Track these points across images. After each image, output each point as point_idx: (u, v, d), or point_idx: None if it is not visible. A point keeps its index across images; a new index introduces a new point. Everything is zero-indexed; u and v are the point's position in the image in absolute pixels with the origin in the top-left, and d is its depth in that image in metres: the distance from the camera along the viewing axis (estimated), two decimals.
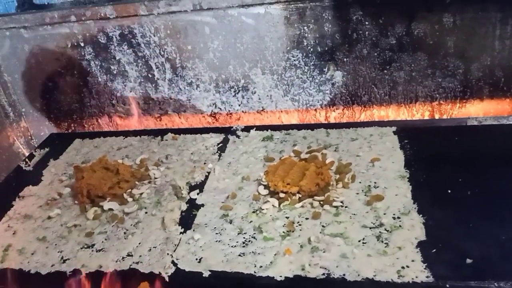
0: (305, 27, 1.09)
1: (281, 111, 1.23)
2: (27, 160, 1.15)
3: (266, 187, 0.89)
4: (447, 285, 0.64)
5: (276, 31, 1.11)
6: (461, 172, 0.86)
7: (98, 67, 1.23)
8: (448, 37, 1.04)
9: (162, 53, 1.19)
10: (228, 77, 1.20)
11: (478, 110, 1.11)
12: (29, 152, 1.28)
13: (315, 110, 1.21)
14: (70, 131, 1.35)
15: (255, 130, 1.13)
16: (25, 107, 1.34)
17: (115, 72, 1.23)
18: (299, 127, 1.12)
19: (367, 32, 1.07)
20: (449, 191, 0.82)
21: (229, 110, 1.25)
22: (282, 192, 0.86)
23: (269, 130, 1.12)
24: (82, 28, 1.19)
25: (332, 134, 1.06)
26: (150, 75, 1.23)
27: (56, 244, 0.84)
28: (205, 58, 1.18)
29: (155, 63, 1.21)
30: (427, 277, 0.66)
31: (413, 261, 0.69)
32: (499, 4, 0.98)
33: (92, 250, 0.81)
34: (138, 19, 1.15)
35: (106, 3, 1.17)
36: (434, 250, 0.70)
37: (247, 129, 1.15)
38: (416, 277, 0.66)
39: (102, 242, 0.83)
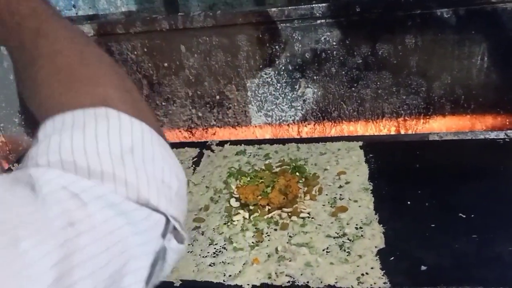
0: (277, 47, 1.14)
1: (255, 126, 1.27)
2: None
3: (237, 199, 0.93)
4: None
5: (249, 50, 1.16)
6: (421, 184, 0.91)
7: None
8: (411, 57, 1.10)
9: (139, 70, 1.23)
10: (203, 93, 1.24)
11: (440, 126, 1.18)
12: (7, 166, 1.29)
13: (288, 125, 1.25)
14: None
15: (229, 144, 1.17)
16: (3, 122, 1.35)
17: None
18: (271, 141, 1.17)
19: (335, 52, 1.12)
20: (409, 202, 0.87)
21: (205, 125, 1.29)
22: (253, 204, 0.90)
23: (242, 144, 1.16)
24: None
25: (302, 149, 1.11)
26: None
27: None
28: (181, 75, 1.22)
29: (133, 80, 1.24)
30: (384, 283, 0.70)
31: (372, 268, 0.73)
32: (456, 27, 1.05)
33: None
34: (115, 37, 1.19)
35: (84, 21, 1.20)
36: (392, 258, 0.74)
37: (221, 143, 1.18)
38: (375, 283, 0.70)
39: None
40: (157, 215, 0.34)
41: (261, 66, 1.18)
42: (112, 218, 0.31)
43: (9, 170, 1.19)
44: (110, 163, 0.32)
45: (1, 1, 0.42)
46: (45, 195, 0.29)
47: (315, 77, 1.17)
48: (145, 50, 1.20)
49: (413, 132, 1.19)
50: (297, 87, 1.19)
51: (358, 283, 0.71)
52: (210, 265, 0.79)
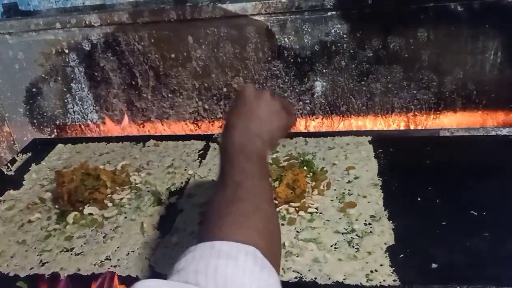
0: (286, 39, 1.13)
1: None
2: (9, 164, 1.16)
3: None
4: None
5: (257, 41, 1.14)
6: (431, 181, 0.89)
7: (82, 73, 1.25)
8: (423, 51, 1.08)
9: (146, 61, 1.21)
10: (210, 85, 1.23)
11: (451, 122, 1.15)
12: (11, 156, 1.28)
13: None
14: (53, 136, 1.36)
15: None
16: (8, 112, 1.35)
17: (99, 79, 1.25)
18: None
19: (345, 45, 1.10)
20: (419, 199, 0.85)
21: (211, 118, 1.28)
22: None
23: None
24: (67, 35, 1.21)
25: (310, 143, 1.09)
26: (133, 83, 1.25)
27: (35, 248, 0.85)
28: (188, 67, 1.20)
29: (139, 71, 1.23)
30: (394, 280, 0.68)
31: (381, 265, 0.71)
32: (470, 21, 1.03)
33: (71, 254, 0.82)
34: (123, 28, 1.17)
35: (91, 11, 1.19)
36: (402, 255, 0.73)
37: None
38: (384, 280, 0.69)
39: (81, 246, 0.84)
40: None
41: (269, 59, 1.16)
42: None
43: (13, 160, 1.18)
44: None
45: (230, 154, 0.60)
46: None
47: (324, 71, 1.15)
48: (152, 40, 1.18)
49: (423, 128, 1.17)
50: (305, 80, 1.17)
51: (367, 280, 0.69)
52: None
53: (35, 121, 1.35)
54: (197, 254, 0.44)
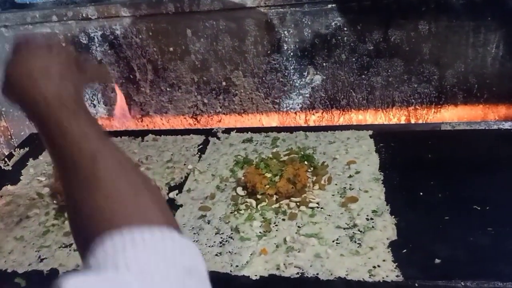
0: (286, 32, 1.11)
1: (262, 114, 1.25)
2: (6, 159, 1.14)
3: (244, 188, 0.91)
4: (416, 284, 0.67)
5: (257, 35, 1.13)
6: (433, 175, 0.88)
7: None
8: (424, 44, 1.07)
9: (144, 54, 1.20)
10: (209, 79, 1.21)
11: (452, 116, 1.15)
12: (8, 151, 1.27)
13: (295, 113, 1.23)
14: None
15: (236, 132, 1.15)
16: (5, 107, 1.33)
17: None
18: (278, 129, 1.14)
19: (345, 38, 1.09)
20: (421, 193, 0.84)
21: (210, 112, 1.27)
22: (260, 193, 0.87)
23: (249, 132, 1.14)
24: (63, 28, 1.19)
25: (310, 137, 1.08)
26: (131, 76, 1.23)
27: (33, 243, 0.84)
28: (187, 60, 1.19)
29: (137, 64, 1.21)
30: (397, 276, 0.68)
31: (384, 260, 0.71)
32: (472, 13, 1.02)
33: (70, 250, 0.82)
34: (120, 20, 1.16)
35: (87, 3, 1.17)
36: (405, 250, 0.72)
37: (227, 131, 1.16)
38: (387, 276, 0.68)
39: None
40: None
41: (269, 52, 1.15)
42: None
43: (11, 155, 1.16)
44: (175, 279, 0.38)
45: (50, 119, 0.48)
46: None
47: (324, 64, 1.14)
48: (150, 33, 1.17)
49: (424, 122, 1.16)
50: (305, 73, 1.16)
51: (370, 275, 0.68)
52: (216, 255, 0.76)
53: None
54: (108, 248, 0.38)
